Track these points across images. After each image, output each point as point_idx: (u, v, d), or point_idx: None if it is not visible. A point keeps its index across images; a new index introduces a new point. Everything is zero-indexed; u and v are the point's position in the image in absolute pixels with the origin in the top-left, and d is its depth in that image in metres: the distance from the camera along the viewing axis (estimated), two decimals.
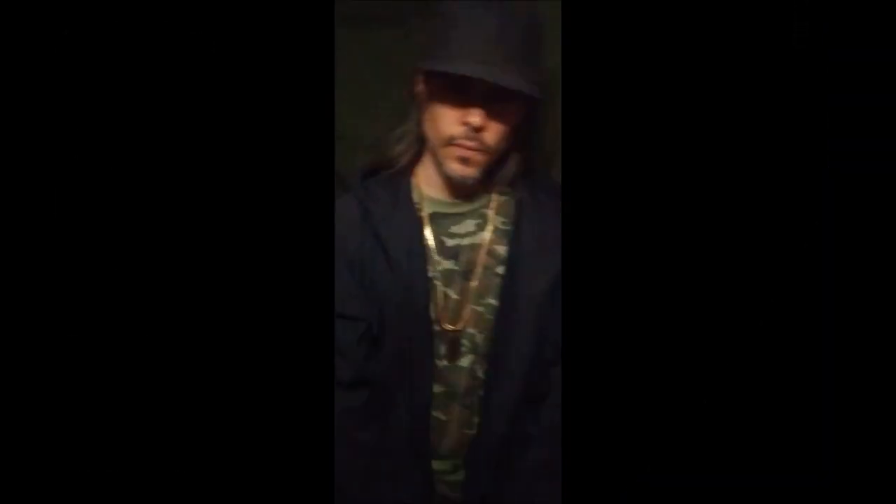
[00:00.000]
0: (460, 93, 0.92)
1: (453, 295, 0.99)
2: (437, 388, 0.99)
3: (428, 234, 1.00)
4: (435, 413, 1.00)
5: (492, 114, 0.93)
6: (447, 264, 0.99)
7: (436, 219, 1.01)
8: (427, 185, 1.02)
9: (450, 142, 0.94)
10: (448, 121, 0.94)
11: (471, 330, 0.99)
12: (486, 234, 1.01)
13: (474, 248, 1.00)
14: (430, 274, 0.99)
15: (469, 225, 1.01)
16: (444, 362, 0.99)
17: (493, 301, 0.99)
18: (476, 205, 1.02)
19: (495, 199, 1.01)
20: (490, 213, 1.02)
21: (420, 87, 0.97)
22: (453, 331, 0.99)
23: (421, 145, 1.01)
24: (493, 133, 0.94)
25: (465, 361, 0.99)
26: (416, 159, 1.03)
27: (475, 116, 0.91)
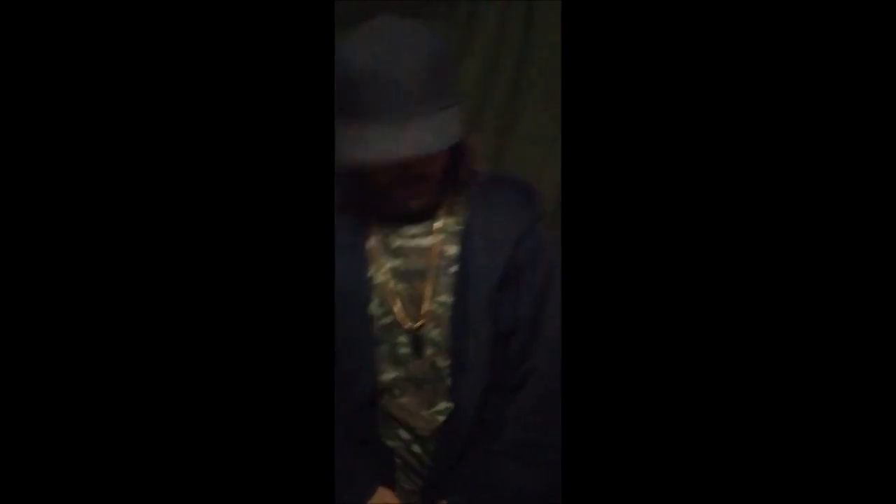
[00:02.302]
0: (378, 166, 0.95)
1: (406, 292, 1.04)
2: (397, 374, 1.04)
3: (374, 237, 1.04)
4: (399, 399, 1.04)
5: (420, 164, 0.94)
6: (393, 263, 1.04)
7: (385, 220, 1.04)
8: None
9: (389, 187, 0.97)
10: (380, 177, 0.96)
11: (430, 326, 1.03)
12: (438, 237, 1.04)
13: (422, 250, 1.04)
14: (371, 273, 1.03)
15: (416, 228, 1.04)
16: (408, 355, 1.04)
17: (446, 298, 1.03)
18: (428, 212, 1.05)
19: (447, 204, 1.04)
20: (440, 215, 1.05)
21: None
22: (416, 328, 1.03)
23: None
24: (429, 171, 0.96)
25: (427, 353, 1.04)
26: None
27: (403, 180, 0.94)
